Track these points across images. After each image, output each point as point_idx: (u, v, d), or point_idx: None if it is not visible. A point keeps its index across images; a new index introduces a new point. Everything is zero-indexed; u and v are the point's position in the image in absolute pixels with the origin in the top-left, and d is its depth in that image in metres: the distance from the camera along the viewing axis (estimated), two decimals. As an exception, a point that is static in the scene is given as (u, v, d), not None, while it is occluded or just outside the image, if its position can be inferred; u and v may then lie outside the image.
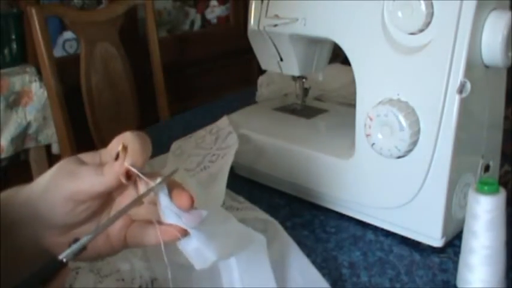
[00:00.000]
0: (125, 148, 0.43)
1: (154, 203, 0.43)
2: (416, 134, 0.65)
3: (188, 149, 0.82)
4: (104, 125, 1.69)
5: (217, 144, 0.80)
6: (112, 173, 0.42)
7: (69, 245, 0.39)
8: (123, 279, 0.59)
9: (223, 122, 0.85)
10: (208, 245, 0.43)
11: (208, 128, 0.85)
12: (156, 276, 0.59)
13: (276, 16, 0.80)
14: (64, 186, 0.43)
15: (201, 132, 0.84)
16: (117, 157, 0.43)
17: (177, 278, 0.58)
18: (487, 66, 0.66)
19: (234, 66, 2.37)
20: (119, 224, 0.45)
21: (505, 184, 0.76)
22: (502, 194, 0.56)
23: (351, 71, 0.72)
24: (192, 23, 2.50)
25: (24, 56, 1.85)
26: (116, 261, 0.60)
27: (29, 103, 1.75)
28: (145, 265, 0.60)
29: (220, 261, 0.57)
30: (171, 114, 1.82)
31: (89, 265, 0.60)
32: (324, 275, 0.59)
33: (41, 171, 0.46)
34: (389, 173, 0.69)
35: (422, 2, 0.63)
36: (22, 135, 1.77)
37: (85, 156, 0.46)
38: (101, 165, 0.44)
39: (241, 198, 0.74)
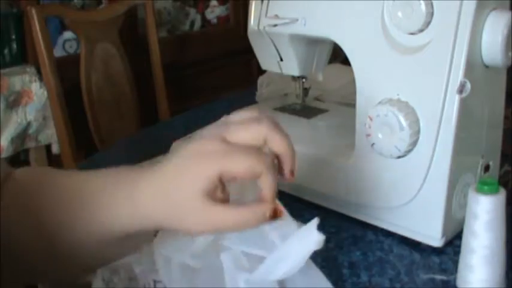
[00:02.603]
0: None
1: None
2: (416, 134, 0.65)
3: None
4: (104, 125, 1.69)
5: None
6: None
7: None
8: (123, 279, 0.59)
9: (223, 122, 0.85)
10: None
11: (208, 128, 0.84)
12: (159, 278, 0.59)
13: (276, 16, 0.80)
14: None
15: (201, 133, 0.84)
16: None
17: (181, 280, 0.58)
18: (487, 66, 0.65)
19: (234, 66, 2.37)
20: None
21: (505, 184, 0.76)
22: (502, 194, 0.56)
23: (351, 71, 0.72)
24: (192, 23, 2.50)
25: (24, 56, 1.85)
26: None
27: (29, 103, 1.75)
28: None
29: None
30: (171, 114, 1.82)
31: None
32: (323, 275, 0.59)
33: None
34: (389, 173, 0.69)
35: (422, 2, 0.63)
36: (22, 135, 1.77)
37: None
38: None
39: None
